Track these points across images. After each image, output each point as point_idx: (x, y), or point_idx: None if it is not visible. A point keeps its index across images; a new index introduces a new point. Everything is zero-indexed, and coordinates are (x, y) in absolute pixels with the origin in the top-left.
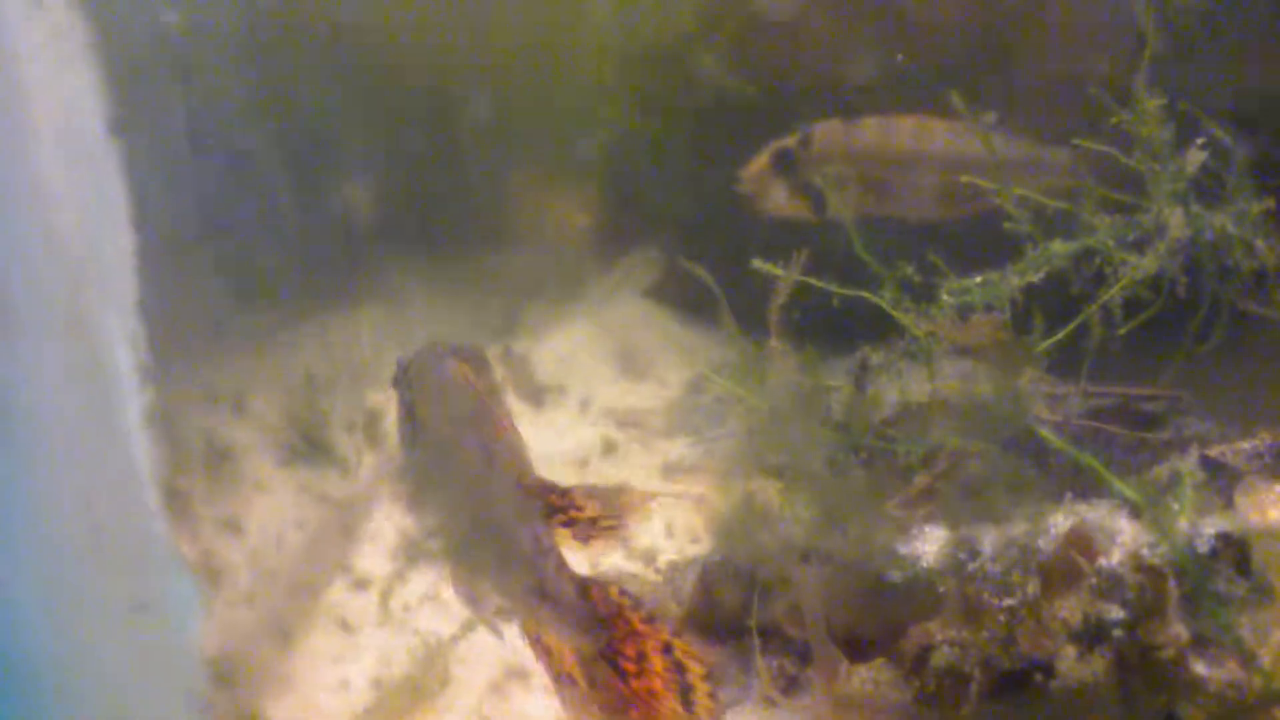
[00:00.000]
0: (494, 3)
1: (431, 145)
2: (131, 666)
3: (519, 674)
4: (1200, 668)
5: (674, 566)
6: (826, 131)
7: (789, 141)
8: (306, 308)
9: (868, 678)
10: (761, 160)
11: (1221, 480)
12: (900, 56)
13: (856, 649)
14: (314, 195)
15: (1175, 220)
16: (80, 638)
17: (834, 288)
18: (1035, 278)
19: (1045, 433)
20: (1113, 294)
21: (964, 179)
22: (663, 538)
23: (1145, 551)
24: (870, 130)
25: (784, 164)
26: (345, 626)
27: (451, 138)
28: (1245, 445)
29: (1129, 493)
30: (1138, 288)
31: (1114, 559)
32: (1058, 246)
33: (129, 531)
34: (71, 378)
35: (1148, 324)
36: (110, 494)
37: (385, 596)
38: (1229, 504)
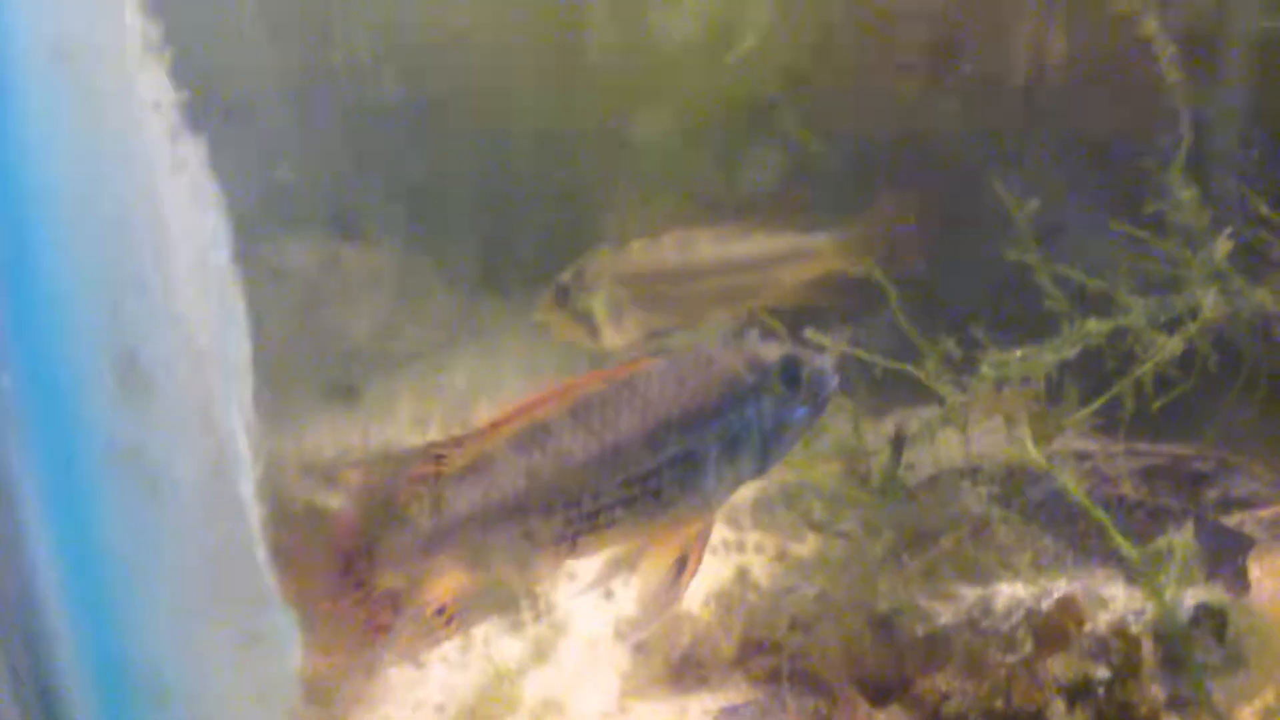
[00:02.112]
0: (598, 66)
1: (533, 193)
2: (245, 689)
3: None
4: None
5: (726, 609)
6: (595, 262)
7: (565, 276)
8: (401, 363)
9: None
10: (547, 295)
11: (1236, 548)
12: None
13: (879, 694)
14: (417, 258)
15: (1210, 301)
16: (204, 664)
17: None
18: (1070, 354)
19: (1068, 483)
20: (1144, 370)
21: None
22: (716, 582)
23: (1130, 619)
24: (636, 253)
25: (563, 297)
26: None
27: (550, 185)
28: (1265, 514)
29: (1132, 556)
30: (1169, 365)
31: (1100, 624)
32: (1091, 325)
33: (243, 577)
34: (203, 458)
35: (1195, 384)
36: (229, 548)
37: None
38: (1243, 570)
